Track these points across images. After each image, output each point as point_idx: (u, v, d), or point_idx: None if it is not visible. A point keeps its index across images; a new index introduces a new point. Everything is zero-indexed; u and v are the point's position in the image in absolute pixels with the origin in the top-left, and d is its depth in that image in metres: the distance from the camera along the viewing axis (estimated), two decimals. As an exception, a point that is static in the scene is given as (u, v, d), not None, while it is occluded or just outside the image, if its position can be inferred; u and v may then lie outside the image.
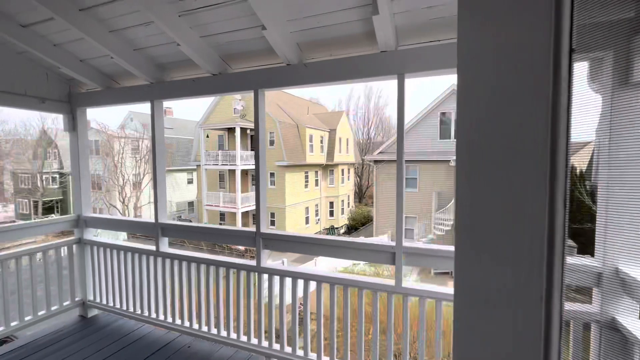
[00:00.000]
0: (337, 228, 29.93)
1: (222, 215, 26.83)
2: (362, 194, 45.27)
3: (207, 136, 25.40)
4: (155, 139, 2.92)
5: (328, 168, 30.05)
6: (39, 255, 3.15)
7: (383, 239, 19.45)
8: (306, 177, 27.29)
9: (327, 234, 29.52)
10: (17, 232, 2.98)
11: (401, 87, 2.03)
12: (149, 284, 3.08)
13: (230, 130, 25.99)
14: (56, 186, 33.49)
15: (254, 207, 24.81)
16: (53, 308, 3.24)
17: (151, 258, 3.05)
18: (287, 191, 24.66)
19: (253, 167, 24.94)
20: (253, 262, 2.60)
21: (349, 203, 33.28)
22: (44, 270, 3.15)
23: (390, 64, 2.03)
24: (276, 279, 2.52)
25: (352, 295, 2.35)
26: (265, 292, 2.60)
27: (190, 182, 32.19)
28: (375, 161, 20.99)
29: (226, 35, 2.26)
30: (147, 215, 27.47)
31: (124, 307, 3.25)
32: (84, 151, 3.41)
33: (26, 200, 33.75)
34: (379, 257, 2.21)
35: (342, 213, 31.29)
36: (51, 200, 32.93)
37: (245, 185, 25.82)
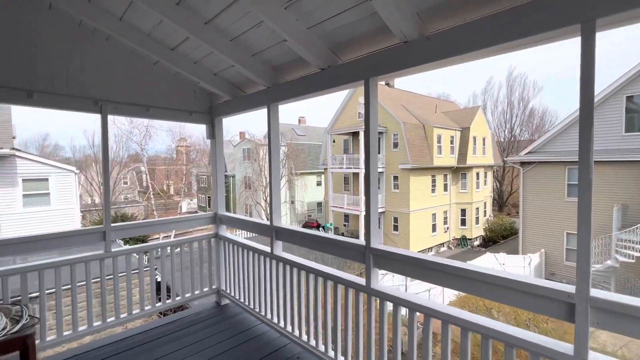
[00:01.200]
0: (469, 239, 26.38)
1: (346, 217, 27.69)
2: (503, 202, 38.61)
3: (334, 141, 26.75)
4: (271, 143, 2.95)
5: (459, 171, 26.86)
6: (195, 244, 3.68)
7: (533, 259, 15.82)
8: (433, 181, 25.16)
9: (458, 245, 26.38)
10: (171, 224, 3.57)
11: (588, 41, 1.27)
12: (265, 284, 3.15)
13: (355, 135, 26.56)
14: (221, 186, 42.19)
15: (381, 210, 24.63)
16: (196, 292, 3.75)
17: (267, 259, 3.10)
18: (412, 196, 23.29)
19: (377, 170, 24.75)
20: (362, 281, 2.24)
21: (485, 211, 28.84)
22: (191, 258, 3.67)
23: (567, 4, 1.31)
24: (389, 305, 2.09)
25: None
26: (376, 316, 2.19)
27: (319, 184, 34.73)
28: (522, 163, 17.33)
29: (332, 21, 2.00)
30: (283, 211, 31.10)
31: (247, 302, 3.44)
32: (221, 156, 3.84)
33: (203, 196, 43.98)
34: (541, 305, 1.46)
35: (477, 223, 27.34)
36: (218, 197, 41.62)
37: (369, 189, 25.74)
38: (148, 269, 3.48)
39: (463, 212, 27.14)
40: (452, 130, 26.20)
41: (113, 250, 3.09)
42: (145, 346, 2.97)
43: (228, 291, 3.77)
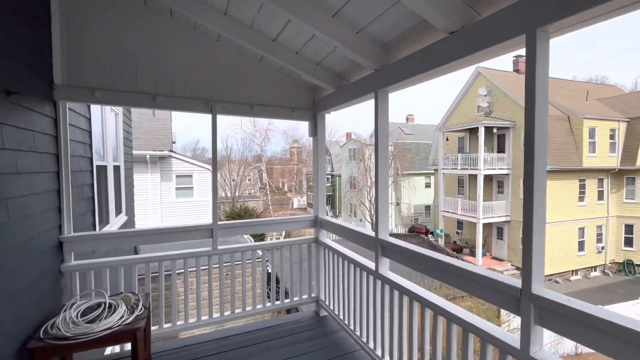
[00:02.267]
0: (638, 265, 19.83)
1: (460, 224, 24.71)
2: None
3: (447, 140, 24.22)
4: (379, 137, 2.43)
5: (624, 175, 20.55)
6: (295, 248, 3.51)
7: None
8: (582, 186, 19.98)
9: (619, 270, 20.21)
10: (271, 225, 3.45)
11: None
12: (368, 305, 2.66)
13: (472, 132, 23.42)
14: (328, 184, 43.98)
15: (498, 218, 21.06)
16: (295, 298, 3.55)
17: (370, 278, 2.60)
18: (550, 204, 18.96)
19: (498, 171, 21.19)
20: (516, 340, 1.49)
21: (666, 229, 21.28)
22: (290, 262, 3.49)
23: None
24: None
25: None
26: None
27: (427, 185, 32.20)
28: None
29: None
30: (389, 214, 30.00)
31: (346, 321, 3.03)
32: (322, 154, 3.54)
33: (312, 194, 46.71)
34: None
35: (652, 243, 20.38)
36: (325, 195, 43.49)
37: (489, 193, 22.36)
38: (249, 263, 3.45)
39: (629, 228, 20.72)
40: (613, 122, 20.27)
41: (219, 247, 3.13)
42: (241, 351, 2.88)
43: (327, 303, 3.44)
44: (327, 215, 3.62)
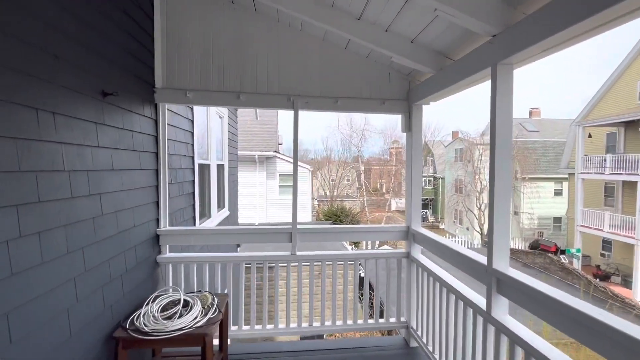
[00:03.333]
0: None
1: (607, 244, 19.33)
2: None
3: (589, 136, 19.28)
4: (497, 131, 1.75)
5: None
6: (382, 261, 3.07)
7: None
8: None
9: None
10: (356, 234, 3.06)
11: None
12: (474, 353, 1.99)
13: (630, 125, 18.06)
14: (430, 187, 40.92)
15: (674, 243, 15.50)
16: (380, 320, 3.08)
17: (479, 319, 1.93)
18: None
19: (677, 178, 15.55)
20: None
21: None
22: (376, 278, 3.03)
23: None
24: None
25: None
26: None
27: (557, 193, 26.41)
28: None
29: None
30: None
31: (442, 362, 2.41)
32: (418, 154, 2.95)
33: (411, 197, 44.30)
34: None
35: None
36: (426, 198, 40.75)
37: (657, 206, 16.76)
38: (341, 266, 3.13)
39: None
40: None
41: (299, 253, 2.92)
42: (316, 374, 2.58)
43: (419, 332, 2.84)
44: (421, 225, 3.01)
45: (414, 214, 2.97)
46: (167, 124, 3.09)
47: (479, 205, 24.38)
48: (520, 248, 20.22)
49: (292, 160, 16.06)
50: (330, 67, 2.91)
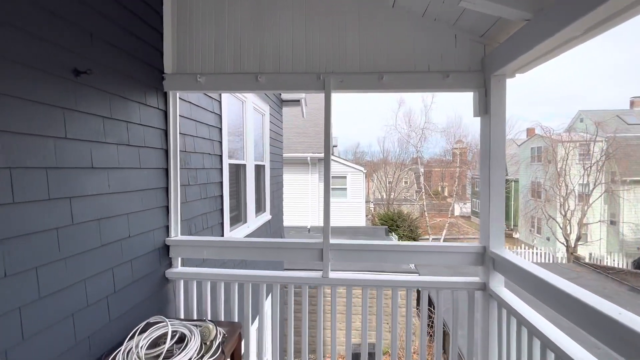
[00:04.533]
0: None
1: None
2: None
3: None
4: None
5: None
6: (446, 294, 2.28)
7: None
8: None
9: None
10: (407, 254, 2.28)
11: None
12: None
13: None
14: (499, 191, 36.69)
15: None
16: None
17: None
18: None
19: None
20: None
21: None
22: (436, 318, 2.23)
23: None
24: None
25: None
26: None
27: (673, 199, 21.37)
28: None
29: None
30: (596, 236, 21.81)
31: None
32: (499, 147, 2.08)
33: (478, 201, 40.45)
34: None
35: None
36: (495, 204, 36.62)
37: None
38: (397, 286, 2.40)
39: None
40: None
41: (332, 276, 2.27)
42: None
43: (501, 401, 1.98)
44: (505, 244, 2.12)
45: (493, 229, 2.10)
46: (185, 116, 2.70)
47: (563, 213, 20.87)
48: (620, 267, 16.61)
49: (345, 162, 15.38)
50: (374, 33, 2.22)
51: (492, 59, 2.08)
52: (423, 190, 22.52)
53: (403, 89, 2.21)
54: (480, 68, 2.17)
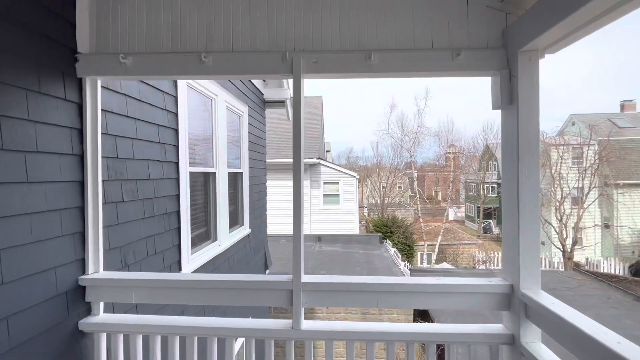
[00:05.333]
0: None
1: None
2: None
3: None
4: None
5: None
6: (457, 349, 1.68)
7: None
8: None
9: None
10: (400, 296, 1.67)
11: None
12: None
13: None
14: (494, 195, 36.53)
15: None
16: None
17: None
18: None
19: None
20: None
21: None
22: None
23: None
24: None
25: None
26: None
27: (666, 202, 21.27)
28: None
29: None
30: (591, 241, 21.56)
31: None
32: (530, 147, 1.52)
33: (471, 205, 40.14)
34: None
35: None
36: (489, 208, 36.47)
37: None
38: None
39: None
40: None
41: (305, 327, 1.65)
42: None
43: None
44: (539, 285, 1.54)
45: (525, 263, 1.51)
46: (117, 113, 2.09)
47: (559, 217, 20.56)
48: (615, 273, 16.26)
49: (337, 168, 14.76)
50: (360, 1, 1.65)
51: (517, 30, 1.52)
52: (417, 195, 21.99)
53: (399, 72, 1.63)
54: (501, 44, 1.62)
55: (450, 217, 38.45)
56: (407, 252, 20.59)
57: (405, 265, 13.72)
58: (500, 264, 19.97)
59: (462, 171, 38.45)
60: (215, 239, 3.69)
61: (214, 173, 3.69)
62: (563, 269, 18.43)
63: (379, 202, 34.25)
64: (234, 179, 4.48)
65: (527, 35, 1.46)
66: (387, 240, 18.81)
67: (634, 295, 9.44)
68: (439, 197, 53.08)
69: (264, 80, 5.64)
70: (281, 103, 6.34)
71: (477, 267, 20.09)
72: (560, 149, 21.02)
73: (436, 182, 46.92)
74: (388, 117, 25.81)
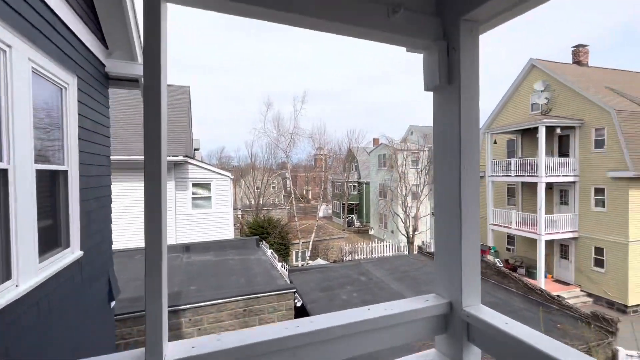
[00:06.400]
0: None
1: (510, 239, 21.44)
2: None
3: (495, 142, 21.19)
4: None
5: None
6: None
7: None
8: (673, 195, 16.29)
9: None
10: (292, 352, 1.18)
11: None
12: None
13: (526, 133, 20.38)
14: (355, 193, 41.47)
15: (563, 235, 17.68)
16: None
17: None
18: (632, 218, 15.55)
19: (562, 179, 17.88)
20: None
21: None
22: None
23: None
24: None
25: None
26: None
27: (467, 195, 28.97)
28: None
29: None
30: (425, 227, 27.06)
31: None
32: (472, 142, 1.27)
33: (338, 202, 44.39)
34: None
35: None
36: (352, 204, 41.16)
37: (550, 204, 19.09)
38: None
39: None
40: None
41: None
42: None
43: None
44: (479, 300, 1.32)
45: (467, 272, 1.25)
46: None
47: (404, 209, 24.90)
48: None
49: (209, 167, 13.23)
50: None
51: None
52: (293, 195, 22.48)
53: (321, 17, 1.11)
54: (436, 11, 1.32)
55: (321, 215, 41.49)
56: (284, 251, 20.73)
57: (282, 265, 13.58)
58: (366, 254, 22.79)
59: (333, 171, 42.04)
60: (9, 277, 2.29)
61: (6, 170, 2.29)
62: (407, 253, 22.39)
63: (253, 203, 33.49)
64: (52, 181, 3.03)
65: (466, 2, 1.19)
66: (264, 242, 18.40)
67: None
68: (310, 196, 56.64)
69: (106, 46, 4.18)
70: (133, 82, 4.91)
71: (344, 258, 22.05)
72: (404, 153, 25.51)
73: (307, 181, 49.79)
74: (265, 115, 25.41)
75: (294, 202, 23.34)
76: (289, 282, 8.61)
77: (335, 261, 20.98)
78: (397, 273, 11.69)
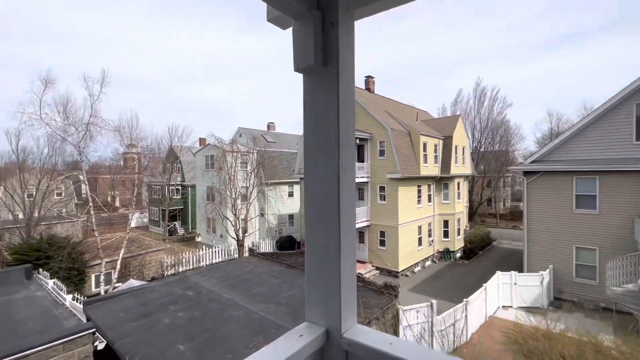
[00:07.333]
0: (453, 252, 25.27)
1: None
2: (473, 212, 38.73)
3: (313, 148, 24.17)
4: None
5: (442, 181, 25.85)
6: None
7: (545, 277, 14.55)
8: (419, 191, 23.68)
9: (442, 257, 25.15)
10: None
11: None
12: None
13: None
14: (179, 197, 37.34)
15: (360, 224, 22.33)
16: None
17: None
18: (401, 207, 21.47)
19: (360, 179, 22.63)
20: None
21: (463, 222, 28.21)
22: None
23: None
24: None
25: None
26: None
27: (290, 195, 31.82)
28: (526, 173, 16.24)
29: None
30: (254, 228, 27.58)
31: None
32: (348, 132, 1.09)
33: (156, 209, 38.58)
34: None
35: (458, 234, 26.46)
36: (174, 210, 36.82)
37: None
38: None
39: (446, 223, 26.11)
40: (435, 139, 25.14)
41: None
42: None
43: None
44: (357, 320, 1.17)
45: (346, 293, 1.06)
46: None
47: (234, 212, 24.46)
48: (271, 251, 22.06)
49: None
50: None
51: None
52: (91, 203, 17.33)
53: None
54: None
55: (134, 225, 34.70)
56: (76, 278, 15.90)
57: (74, 298, 10.28)
58: (193, 264, 20.69)
59: (146, 173, 36.06)
60: None
61: None
62: (237, 256, 22.08)
63: (21, 217, 23.90)
64: None
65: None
66: (41, 270, 13.46)
67: (286, 264, 12.84)
68: (118, 203, 46.66)
69: None
70: None
71: (165, 273, 19.27)
72: (234, 155, 25.09)
73: (114, 185, 40.79)
74: (40, 96, 18.51)
75: (92, 212, 18.19)
76: (84, 319, 6.46)
77: (154, 278, 17.93)
78: (229, 280, 11.14)
